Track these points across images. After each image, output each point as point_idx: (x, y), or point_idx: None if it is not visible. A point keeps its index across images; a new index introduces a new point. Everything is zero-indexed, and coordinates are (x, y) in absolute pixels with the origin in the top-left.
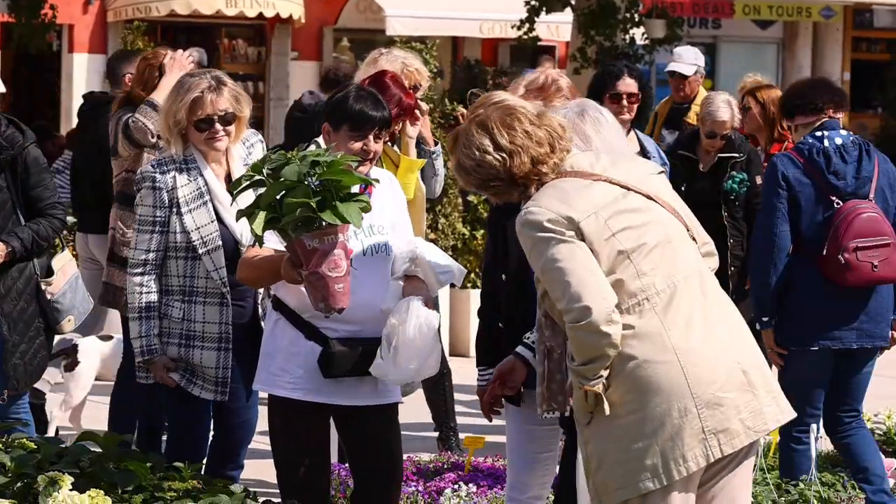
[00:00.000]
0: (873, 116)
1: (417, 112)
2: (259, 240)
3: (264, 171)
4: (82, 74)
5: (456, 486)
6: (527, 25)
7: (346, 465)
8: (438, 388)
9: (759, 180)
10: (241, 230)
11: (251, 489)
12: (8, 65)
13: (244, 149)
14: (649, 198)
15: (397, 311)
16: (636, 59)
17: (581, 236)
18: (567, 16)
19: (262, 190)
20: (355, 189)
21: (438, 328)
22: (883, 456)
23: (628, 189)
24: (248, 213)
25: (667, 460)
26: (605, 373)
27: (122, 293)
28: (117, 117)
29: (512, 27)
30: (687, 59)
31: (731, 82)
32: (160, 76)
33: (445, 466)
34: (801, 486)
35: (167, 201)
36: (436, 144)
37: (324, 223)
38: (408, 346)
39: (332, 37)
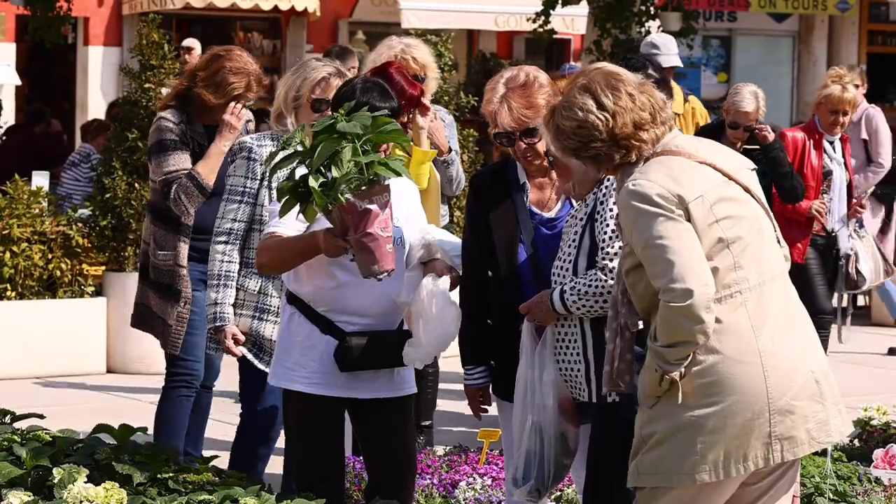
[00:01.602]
0: (889, 109)
1: (426, 102)
2: (323, 205)
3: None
4: (97, 67)
5: (471, 480)
6: (542, 18)
7: (361, 457)
8: (421, 384)
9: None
10: None
11: (268, 482)
12: (23, 57)
13: None
14: (747, 190)
15: (416, 296)
16: None
17: (688, 217)
18: (582, 9)
19: (285, 170)
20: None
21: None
22: None
23: (729, 178)
24: (295, 184)
25: (728, 457)
26: (687, 360)
27: (156, 317)
28: (166, 131)
29: (527, 20)
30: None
31: (746, 76)
32: (233, 82)
33: (460, 459)
34: (817, 478)
35: (259, 174)
36: (449, 152)
37: (378, 182)
38: (427, 317)
39: (347, 30)
